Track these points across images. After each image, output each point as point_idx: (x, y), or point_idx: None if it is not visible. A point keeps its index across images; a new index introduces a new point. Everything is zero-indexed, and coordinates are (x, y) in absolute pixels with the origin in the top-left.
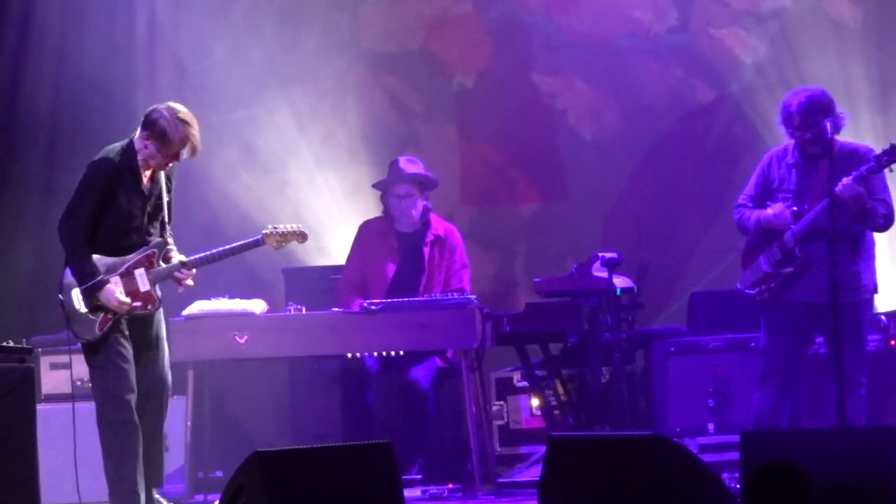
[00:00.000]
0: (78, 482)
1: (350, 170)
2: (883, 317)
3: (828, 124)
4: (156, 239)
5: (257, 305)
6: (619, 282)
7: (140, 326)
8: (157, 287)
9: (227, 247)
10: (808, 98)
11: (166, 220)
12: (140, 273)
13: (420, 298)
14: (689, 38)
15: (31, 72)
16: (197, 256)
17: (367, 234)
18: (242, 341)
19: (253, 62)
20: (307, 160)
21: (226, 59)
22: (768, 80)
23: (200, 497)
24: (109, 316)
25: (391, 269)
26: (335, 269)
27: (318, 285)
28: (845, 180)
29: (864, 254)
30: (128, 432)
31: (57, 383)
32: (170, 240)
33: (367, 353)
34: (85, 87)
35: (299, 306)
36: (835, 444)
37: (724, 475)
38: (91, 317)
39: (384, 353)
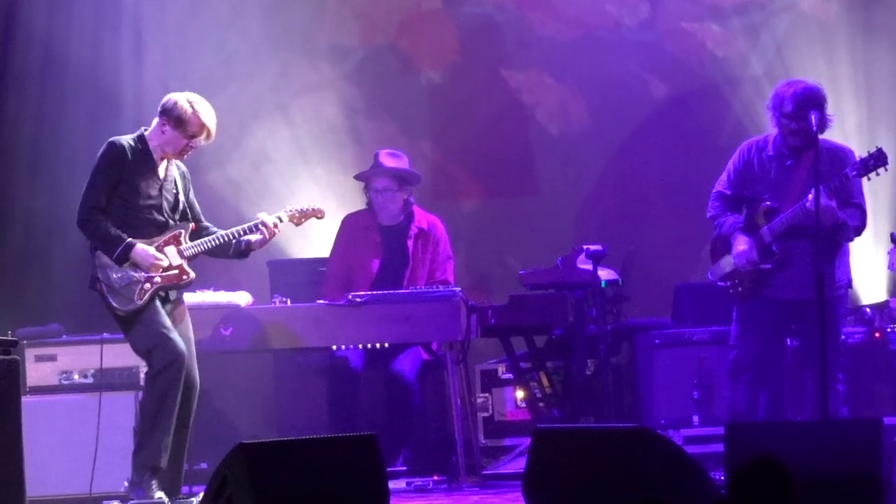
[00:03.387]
0: (93, 475)
1: (334, 162)
2: (867, 309)
3: (813, 117)
4: (181, 223)
5: (242, 298)
6: (604, 274)
7: (172, 321)
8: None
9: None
10: (804, 89)
11: (188, 207)
12: (171, 250)
13: (405, 291)
14: (660, 33)
15: (17, 62)
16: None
17: (350, 229)
18: (227, 334)
19: (238, 54)
20: (291, 152)
21: (211, 51)
22: (739, 74)
23: (185, 489)
24: (147, 287)
25: (375, 264)
26: (320, 262)
27: (304, 278)
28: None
29: (838, 251)
30: (168, 395)
31: (42, 375)
32: (210, 226)
33: (352, 346)
34: (71, 78)
35: (284, 299)
36: (819, 437)
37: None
38: (129, 289)
39: (369, 346)
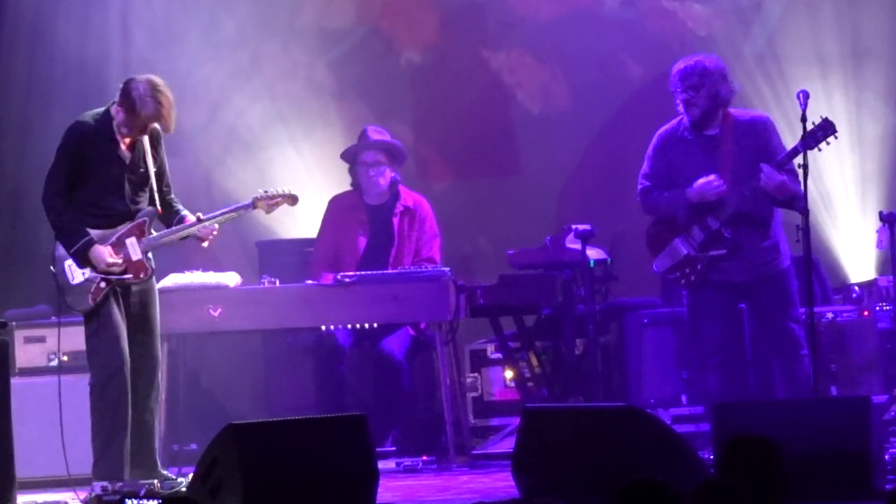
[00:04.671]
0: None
1: (314, 143)
2: (856, 287)
3: (703, 89)
4: (146, 208)
5: (231, 278)
6: (593, 253)
7: (134, 301)
8: (149, 257)
9: (223, 209)
10: (687, 62)
11: (155, 187)
12: (132, 242)
13: (394, 271)
14: (641, 13)
15: (5, 46)
16: (208, 215)
17: (336, 209)
18: (216, 314)
19: (225, 36)
20: (279, 132)
21: (198, 34)
22: (721, 54)
23: (175, 470)
24: (102, 286)
25: (362, 242)
26: (309, 242)
27: (292, 258)
28: (765, 168)
29: (776, 227)
30: (119, 404)
31: (31, 357)
32: (177, 204)
33: (340, 326)
34: (59, 62)
35: (273, 279)
36: (808, 415)
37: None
38: (83, 288)
39: (358, 326)
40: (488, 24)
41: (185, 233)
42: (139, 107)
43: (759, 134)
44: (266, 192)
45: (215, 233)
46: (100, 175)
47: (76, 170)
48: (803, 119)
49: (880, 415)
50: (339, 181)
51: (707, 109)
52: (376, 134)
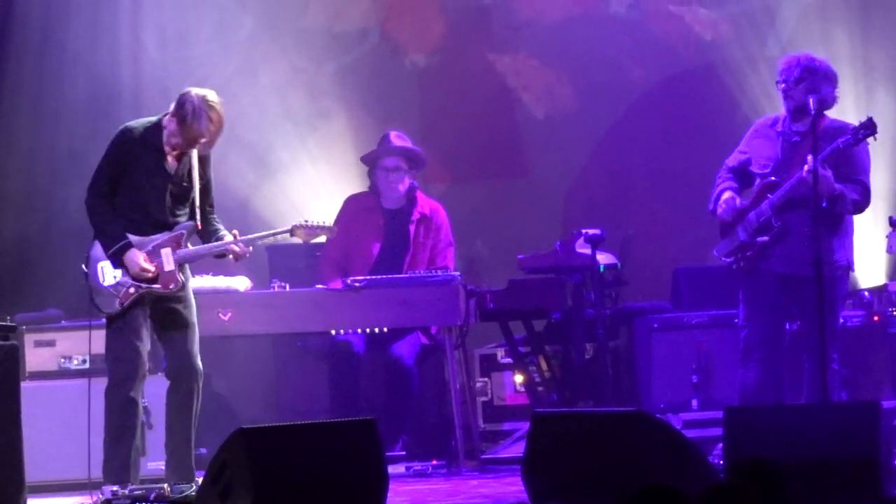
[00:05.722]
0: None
1: (320, 145)
2: (866, 293)
3: (811, 100)
4: (185, 221)
5: (241, 283)
6: (603, 258)
7: (167, 309)
8: (185, 269)
9: (261, 233)
10: (796, 56)
11: (198, 203)
12: (167, 252)
13: (404, 275)
14: (647, 16)
15: (14, 48)
16: (244, 237)
17: (352, 209)
18: (226, 318)
19: (237, 39)
20: (291, 136)
21: (210, 36)
22: (727, 58)
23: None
24: (131, 291)
25: (376, 247)
26: (319, 247)
27: (303, 262)
28: (811, 161)
29: (840, 229)
30: (127, 409)
31: (41, 361)
32: (218, 224)
33: (351, 331)
34: (69, 64)
35: (283, 283)
36: (818, 420)
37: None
38: (113, 291)
39: (368, 330)
40: (494, 28)
41: (220, 250)
42: (190, 120)
43: (837, 138)
44: (306, 221)
45: (248, 254)
46: (142, 183)
47: (118, 175)
48: (814, 125)
49: (890, 420)
50: (347, 182)
51: (802, 104)
52: (398, 140)
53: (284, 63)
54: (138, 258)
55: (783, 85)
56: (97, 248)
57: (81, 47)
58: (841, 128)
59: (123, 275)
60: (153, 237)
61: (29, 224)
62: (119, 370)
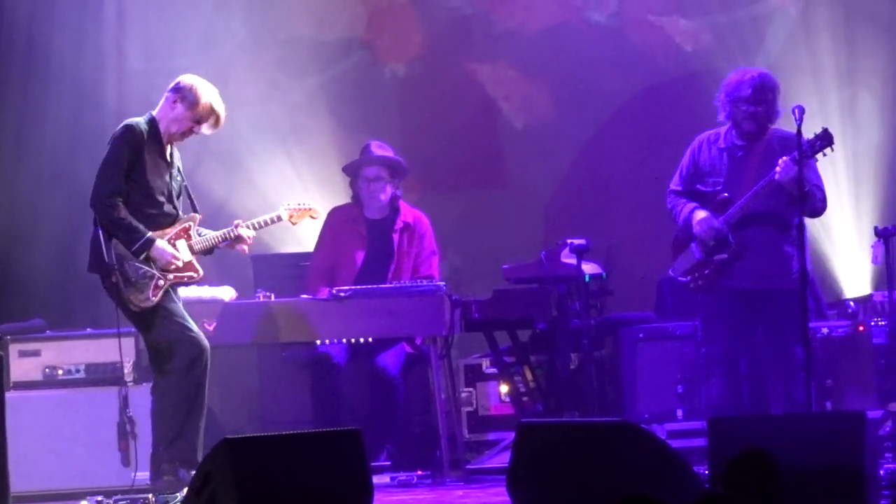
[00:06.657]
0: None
1: (317, 157)
2: (851, 303)
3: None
4: (187, 213)
5: (226, 293)
6: (588, 268)
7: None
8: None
9: (259, 219)
10: (759, 74)
11: (191, 193)
12: (182, 244)
13: (389, 286)
14: (626, 26)
15: (0, 57)
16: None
17: (336, 221)
18: (211, 328)
19: (221, 46)
20: (273, 147)
21: (194, 43)
22: (706, 68)
23: None
24: (161, 283)
25: (360, 256)
26: (304, 256)
27: (287, 272)
28: (783, 161)
29: (794, 239)
30: (202, 384)
31: (26, 371)
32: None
33: (335, 340)
34: (53, 74)
35: (268, 293)
36: (803, 430)
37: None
38: (144, 285)
39: (353, 341)
40: (474, 37)
41: (229, 236)
42: (203, 98)
43: (790, 148)
44: (297, 204)
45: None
46: (153, 177)
47: (130, 171)
48: (798, 133)
49: (875, 430)
50: (330, 193)
51: (764, 125)
52: (379, 149)
53: (266, 74)
54: (166, 249)
55: (752, 108)
56: (119, 246)
57: (66, 58)
58: (789, 136)
59: (150, 268)
60: (165, 231)
61: (12, 234)
62: (188, 350)
